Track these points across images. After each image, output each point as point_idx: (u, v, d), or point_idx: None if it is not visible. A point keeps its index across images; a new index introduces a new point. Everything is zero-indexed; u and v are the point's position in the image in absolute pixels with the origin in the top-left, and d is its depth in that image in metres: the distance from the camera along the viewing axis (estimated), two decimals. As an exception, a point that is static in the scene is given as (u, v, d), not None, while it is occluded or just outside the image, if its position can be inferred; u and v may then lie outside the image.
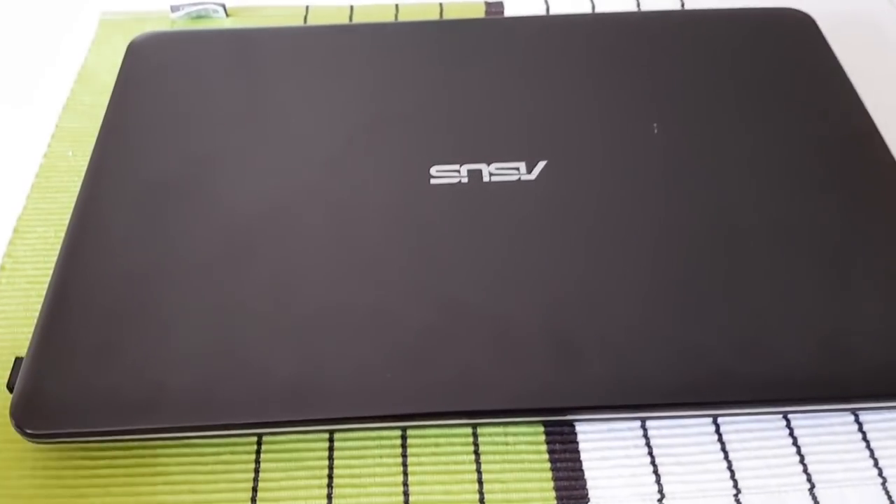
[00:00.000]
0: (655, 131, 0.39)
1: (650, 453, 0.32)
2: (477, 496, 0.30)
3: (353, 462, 0.31)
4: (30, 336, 0.32)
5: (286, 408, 0.30)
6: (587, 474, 0.31)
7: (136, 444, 0.32)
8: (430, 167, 0.37)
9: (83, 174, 0.38)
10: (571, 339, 0.32)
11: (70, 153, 0.43)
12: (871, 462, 0.31)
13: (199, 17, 0.50)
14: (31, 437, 0.30)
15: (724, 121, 0.40)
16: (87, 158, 0.39)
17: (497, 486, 0.31)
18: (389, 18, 0.51)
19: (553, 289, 0.33)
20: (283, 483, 0.31)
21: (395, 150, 0.39)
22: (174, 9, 0.50)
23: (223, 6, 0.50)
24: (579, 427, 0.32)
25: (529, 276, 0.34)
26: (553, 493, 0.31)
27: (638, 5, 0.52)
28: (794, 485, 0.31)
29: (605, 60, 0.43)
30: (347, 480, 0.31)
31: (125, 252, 0.35)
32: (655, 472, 0.31)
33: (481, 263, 0.34)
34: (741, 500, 0.30)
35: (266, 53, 0.44)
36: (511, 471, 0.31)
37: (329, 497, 0.30)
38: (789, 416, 0.33)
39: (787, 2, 0.47)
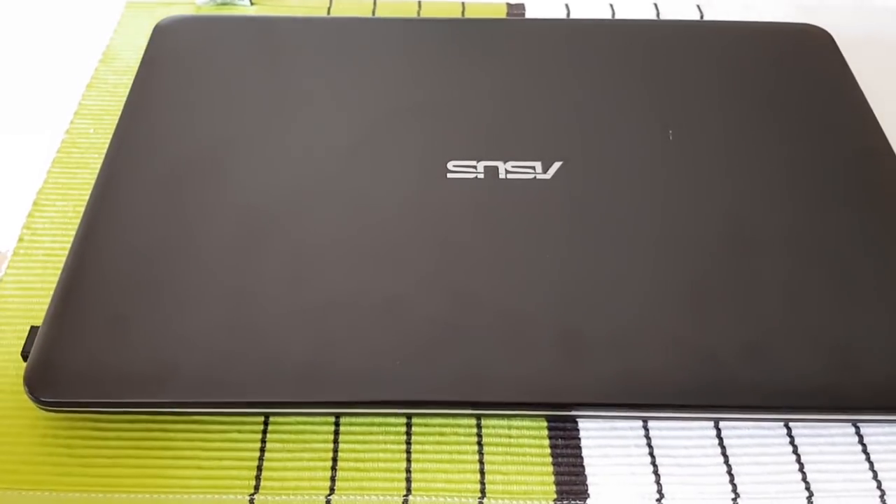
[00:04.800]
0: (671, 138, 0.40)
1: (651, 453, 0.32)
2: (478, 486, 0.31)
3: (357, 447, 0.32)
4: (46, 306, 0.33)
5: (294, 389, 0.31)
6: (588, 470, 0.31)
7: (145, 417, 0.32)
8: (447, 162, 0.38)
9: (104, 152, 0.38)
10: (579, 337, 0.32)
11: (91, 130, 0.43)
12: (871, 475, 0.32)
13: (224, 3, 0.51)
14: (44, 404, 0.31)
15: (738, 131, 0.40)
16: (109, 136, 0.39)
17: (498, 477, 0.31)
18: (412, 15, 0.51)
19: (563, 286, 0.34)
20: (288, 464, 0.31)
21: (412, 143, 0.39)
22: (200, -6, 0.51)
23: (248, -6, 0.51)
24: (582, 424, 0.33)
25: (540, 272, 0.34)
26: (553, 488, 0.31)
27: (657, 14, 0.52)
28: (793, 493, 0.31)
29: (624, 66, 0.44)
30: (351, 464, 0.31)
31: (143, 229, 0.35)
32: (655, 472, 0.31)
33: (493, 258, 0.34)
34: (739, 504, 0.31)
35: (289, 42, 0.44)
36: (513, 463, 0.31)
37: (332, 479, 0.31)
38: (790, 424, 0.33)
39: (805, 18, 0.48)
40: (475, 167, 0.38)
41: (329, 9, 0.51)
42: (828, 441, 0.32)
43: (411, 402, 0.31)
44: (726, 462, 0.32)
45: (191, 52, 0.43)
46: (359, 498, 0.30)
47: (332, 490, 0.31)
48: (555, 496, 0.31)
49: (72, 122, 0.44)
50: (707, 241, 0.35)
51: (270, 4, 0.51)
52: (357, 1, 0.52)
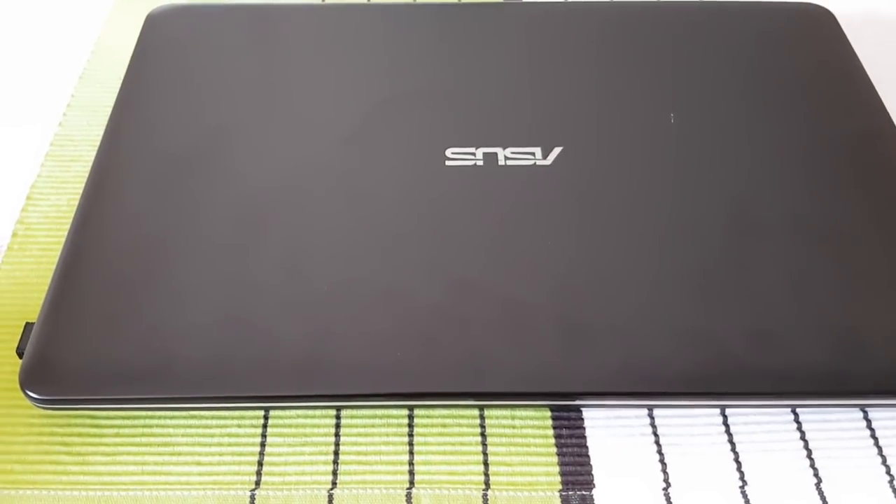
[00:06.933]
0: (672, 121, 0.39)
1: (657, 442, 0.32)
2: (482, 478, 0.30)
3: (359, 440, 0.31)
4: (41, 302, 0.32)
5: (294, 382, 0.30)
6: (593, 460, 0.31)
7: (143, 413, 0.32)
8: (446, 149, 0.37)
9: (98, 144, 0.38)
10: (582, 325, 0.31)
11: (85, 122, 0.42)
12: (880, 460, 0.31)
13: (217, -9, 0.50)
14: (40, 402, 0.30)
15: (740, 113, 0.40)
16: (102, 129, 0.39)
17: (502, 468, 0.31)
18: (409, 0, 0.50)
19: (565, 274, 0.33)
20: (289, 458, 0.31)
21: (410, 130, 0.38)
22: (192, -17, 0.50)
23: (242, -18, 0.50)
24: (586, 413, 0.32)
25: (542, 260, 0.33)
26: (558, 478, 0.30)
27: (658, -5, 0.51)
28: (801, 480, 0.31)
29: (624, 49, 0.43)
30: (353, 458, 0.31)
31: (138, 222, 0.35)
32: (662, 460, 0.31)
33: (494, 245, 0.34)
34: (747, 492, 0.30)
35: (284, 29, 0.43)
36: (517, 454, 0.31)
37: (334, 473, 0.30)
38: (798, 410, 0.32)
39: (807, -3, 0.47)
40: (474, 154, 0.37)
41: (324, -5, 0.51)
42: (836, 427, 0.32)
43: (413, 394, 0.31)
44: (733, 450, 0.31)
45: (183, 42, 0.43)
46: (361, 491, 0.30)
47: (334, 484, 0.30)
48: (560, 486, 0.30)
49: (64, 115, 0.43)
50: (711, 225, 0.35)
51: (264, -8, 0.51)
52: (352, -13, 0.51)
